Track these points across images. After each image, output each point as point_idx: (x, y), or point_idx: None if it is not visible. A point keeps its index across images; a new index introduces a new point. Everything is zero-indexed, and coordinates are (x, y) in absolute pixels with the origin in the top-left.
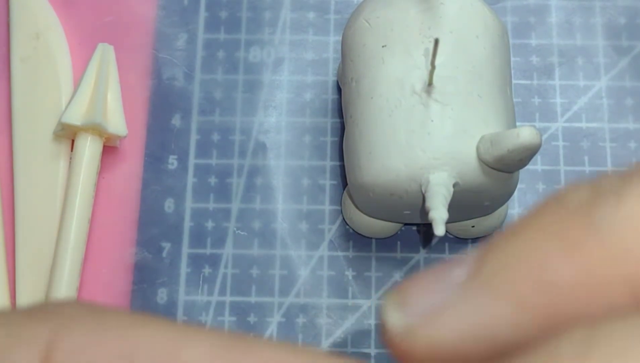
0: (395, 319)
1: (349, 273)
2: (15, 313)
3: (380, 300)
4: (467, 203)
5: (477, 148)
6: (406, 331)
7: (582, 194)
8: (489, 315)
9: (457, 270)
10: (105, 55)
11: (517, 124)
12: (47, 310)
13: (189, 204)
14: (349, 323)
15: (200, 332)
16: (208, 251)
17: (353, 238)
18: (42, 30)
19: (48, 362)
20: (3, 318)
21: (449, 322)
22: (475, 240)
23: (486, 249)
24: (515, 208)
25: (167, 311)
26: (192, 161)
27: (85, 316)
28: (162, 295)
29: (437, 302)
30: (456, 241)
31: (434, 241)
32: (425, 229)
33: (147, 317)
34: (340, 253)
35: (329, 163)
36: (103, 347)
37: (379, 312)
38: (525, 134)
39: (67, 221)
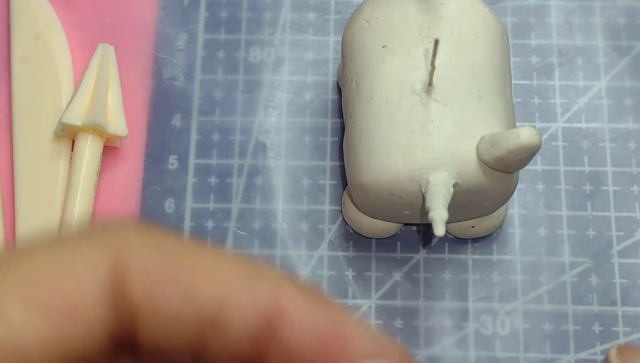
0: None
1: (349, 273)
2: (73, 239)
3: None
4: (467, 203)
5: (477, 148)
6: None
7: None
8: None
9: None
10: (105, 55)
11: (517, 124)
12: (105, 232)
13: (189, 204)
14: None
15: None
16: None
17: (353, 238)
18: (42, 31)
19: (121, 294)
20: (60, 244)
21: None
22: (475, 240)
23: None
24: (515, 208)
25: None
26: (192, 161)
27: (146, 239)
28: None
29: None
30: (456, 241)
31: (434, 241)
32: (425, 229)
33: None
34: (340, 253)
35: (329, 163)
36: (167, 276)
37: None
38: (525, 134)
39: (67, 221)
